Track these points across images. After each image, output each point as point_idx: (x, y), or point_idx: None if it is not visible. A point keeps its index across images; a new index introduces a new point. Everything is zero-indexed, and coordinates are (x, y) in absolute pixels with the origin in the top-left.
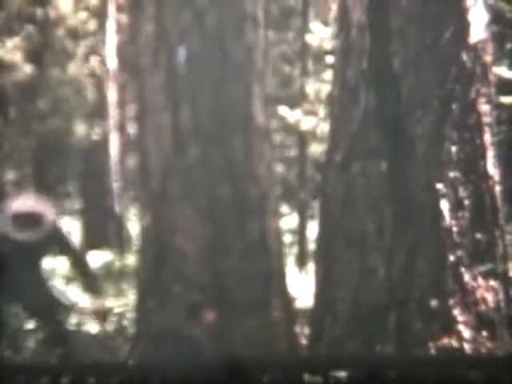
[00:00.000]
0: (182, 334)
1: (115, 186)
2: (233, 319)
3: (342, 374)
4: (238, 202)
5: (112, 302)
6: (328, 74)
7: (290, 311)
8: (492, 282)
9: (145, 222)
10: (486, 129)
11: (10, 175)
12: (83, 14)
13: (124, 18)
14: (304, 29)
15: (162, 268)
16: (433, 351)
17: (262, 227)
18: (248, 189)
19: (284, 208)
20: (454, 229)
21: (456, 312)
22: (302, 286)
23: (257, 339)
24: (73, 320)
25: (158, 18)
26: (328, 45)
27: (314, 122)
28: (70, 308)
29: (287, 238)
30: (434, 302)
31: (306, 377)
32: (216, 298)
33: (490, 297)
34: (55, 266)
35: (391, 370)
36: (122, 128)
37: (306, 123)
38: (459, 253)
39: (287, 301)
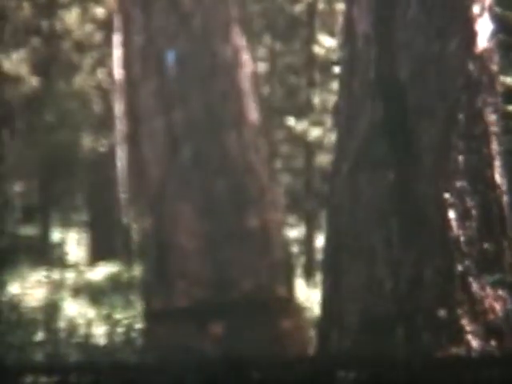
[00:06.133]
0: (189, 344)
1: (122, 197)
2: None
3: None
4: (235, 196)
5: (120, 314)
6: (334, 85)
7: (298, 314)
8: (500, 292)
9: (145, 225)
10: (493, 138)
11: (18, 187)
12: (89, 27)
13: None
14: (310, 39)
15: (164, 267)
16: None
17: (262, 219)
18: (245, 182)
19: (291, 218)
20: (462, 239)
21: (464, 322)
22: (309, 296)
23: (264, 347)
24: (80, 332)
25: (147, 25)
26: (334, 55)
27: (321, 133)
28: None
29: (294, 249)
30: (442, 313)
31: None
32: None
33: (498, 306)
34: (63, 277)
35: (397, 371)
36: (129, 139)
37: (313, 133)
38: (467, 263)
39: (294, 300)
